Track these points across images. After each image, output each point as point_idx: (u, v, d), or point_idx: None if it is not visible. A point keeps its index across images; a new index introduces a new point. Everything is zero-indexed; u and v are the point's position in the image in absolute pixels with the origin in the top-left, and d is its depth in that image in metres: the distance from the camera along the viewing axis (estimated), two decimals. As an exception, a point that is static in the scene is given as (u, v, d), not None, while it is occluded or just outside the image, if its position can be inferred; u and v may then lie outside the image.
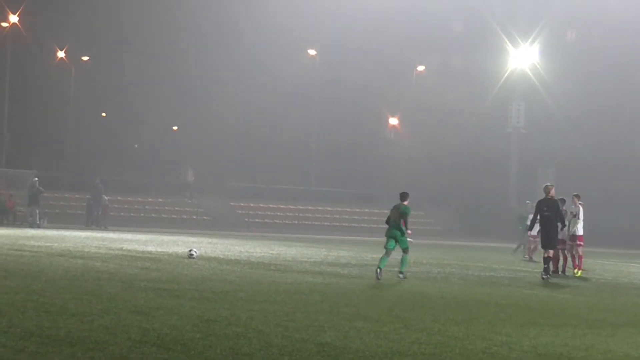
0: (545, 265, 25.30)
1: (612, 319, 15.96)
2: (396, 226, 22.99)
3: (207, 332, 11.80)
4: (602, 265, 35.60)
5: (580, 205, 28.63)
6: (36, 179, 54.86)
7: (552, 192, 25.79)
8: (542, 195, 25.89)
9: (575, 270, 27.99)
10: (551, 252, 25.66)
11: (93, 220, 57.36)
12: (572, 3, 78.00)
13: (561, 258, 28.56)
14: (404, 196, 23.38)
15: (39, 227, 50.85)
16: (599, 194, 69.99)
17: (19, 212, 56.80)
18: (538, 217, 25.70)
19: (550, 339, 12.76)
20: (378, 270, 22.33)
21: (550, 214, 25.31)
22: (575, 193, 29.16)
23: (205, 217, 69.24)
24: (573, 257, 28.47)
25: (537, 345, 12.10)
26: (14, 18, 69.56)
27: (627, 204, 74.71)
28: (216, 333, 11.79)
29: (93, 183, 59.48)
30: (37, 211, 53.35)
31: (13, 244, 31.05)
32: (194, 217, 69.20)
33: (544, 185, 26.44)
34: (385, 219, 23.49)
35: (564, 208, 28.28)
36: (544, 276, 25.02)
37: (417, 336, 12.35)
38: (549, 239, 25.53)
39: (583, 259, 28.81)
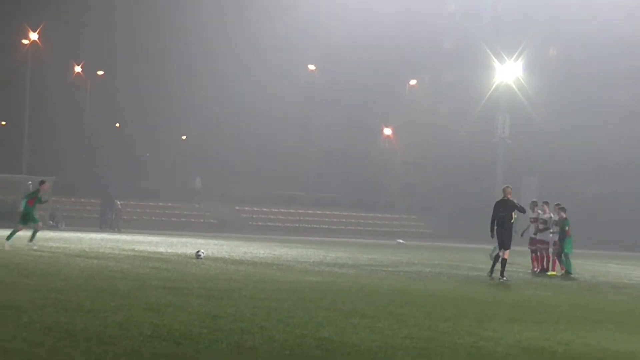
0: (502, 268, 23.67)
1: (592, 315, 15.96)
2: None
3: (214, 328, 11.79)
4: (581, 266, 35.57)
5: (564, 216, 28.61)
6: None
7: (510, 193, 24.46)
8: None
9: (555, 272, 28.06)
10: (507, 253, 23.95)
11: (107, 223, 57.24)
12: (554, 21, 78.15)
13: (545, 257, 28.68)
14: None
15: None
16: (579, 200, 70.05)
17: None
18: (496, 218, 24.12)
19: (534, 334, 12.76)
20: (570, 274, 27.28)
21: (506, 215, 24.01)
22: (557, 203, 29.10)
23: (211, 221, 69.25)
24: (555, 260, 28.49)
25: (521, 340, 12.10)
26: (34, 36, 69.61)
27: (604, 209, 74.79)
28: (222, 328, 11.78)
29: (106, 189, 59.40)
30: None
31: (33, 245, 30.94)
32: (201, 220, 69.21)
33: (503, 187, 25.01)
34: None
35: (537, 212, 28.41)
36: (502, 279, 23.33)
37: (409, 331, 12.34)
38: (505, 239, 23.97)
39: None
